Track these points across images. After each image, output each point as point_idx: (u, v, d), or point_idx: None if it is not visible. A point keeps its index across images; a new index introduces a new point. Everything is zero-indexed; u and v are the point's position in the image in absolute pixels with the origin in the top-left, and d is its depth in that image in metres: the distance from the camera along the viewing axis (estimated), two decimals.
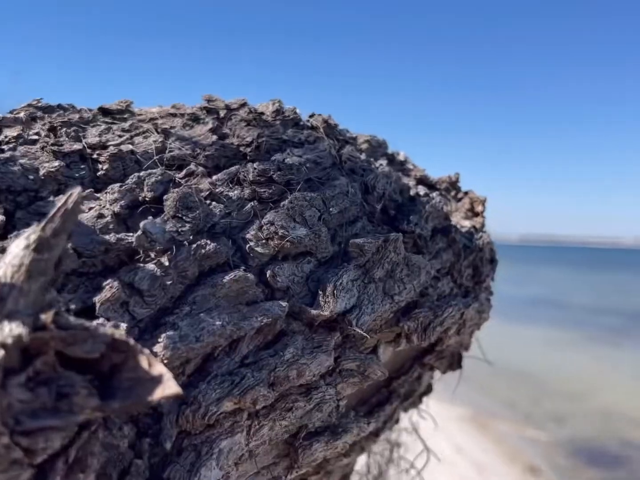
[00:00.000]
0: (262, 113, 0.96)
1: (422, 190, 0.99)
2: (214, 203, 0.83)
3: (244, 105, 0.97)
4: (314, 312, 0.81)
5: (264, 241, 0.82)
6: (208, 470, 0.73)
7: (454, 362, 1.22)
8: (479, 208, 1.01)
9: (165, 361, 0.69)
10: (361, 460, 1.82)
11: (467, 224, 1.02)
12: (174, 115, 0.94)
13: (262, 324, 0.78)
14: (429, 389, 1.20)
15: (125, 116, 0.92)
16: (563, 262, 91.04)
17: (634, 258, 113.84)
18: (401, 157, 1.12)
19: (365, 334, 0.82)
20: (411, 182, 1.02)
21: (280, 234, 0.82)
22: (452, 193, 1.10)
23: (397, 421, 1.19)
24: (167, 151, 0.85)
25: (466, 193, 1.08)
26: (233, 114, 0.95)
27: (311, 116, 1.01)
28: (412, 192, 0.96)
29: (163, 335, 0.71)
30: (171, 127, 0.91)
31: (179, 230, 0.77)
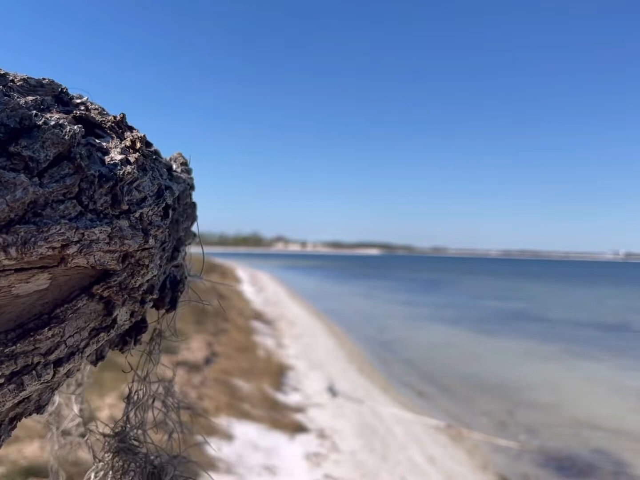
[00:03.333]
0: None
1: (55, 121, 0.96)
2: None
3: None
4: None
5: None
6: None
7: (163, 303, 1.17)
8: (137, 144, 0.99)
9: None
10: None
11: (119, 157, 1.00)
12: None
13: None
14: (139, 330, 1.14)
15: None
16: (544, 276, 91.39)
17: (613, 272, 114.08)
18: (79, 100, 1.10)
19: None
20: (56, 116, 0.99)
21: None
22: (119, 131, 1.07)
23: (101, 358, 1.13)
24: None
25: (131, 131, 1.07)
26: None
27: None
28: (39, 122, 0.93)
29: None
30: None
31: None
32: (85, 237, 0.91)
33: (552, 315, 28.56)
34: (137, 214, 1.04)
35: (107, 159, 0.98)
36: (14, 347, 0.93)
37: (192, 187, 1.25)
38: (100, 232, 0.93)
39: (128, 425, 0.92)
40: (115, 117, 1.05)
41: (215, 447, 6.62)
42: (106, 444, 0.82)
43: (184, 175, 1.18)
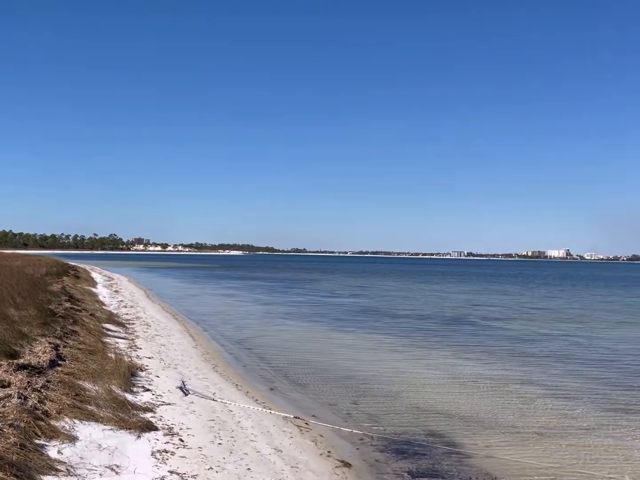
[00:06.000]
0: None
1: None
2: None
3: None
4: None
5: None
6: None
7: None
8: None
9: None
10: None
11: None
12: None
13: None
14: None
15: None
16: (395, 273, 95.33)
17: (458, 270, 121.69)
18: None
19: None
20: None
21: None
22: None
23: None
24: None
25: None
26: None
27: None
28: None
29: None
30: None
31: None
32: None
33: (400, 311, 30.04)
34: None
35: None
36: None
37: None
38: None
39: None
40: None
41: (55, 450, 6.41)
42: None
43: None
